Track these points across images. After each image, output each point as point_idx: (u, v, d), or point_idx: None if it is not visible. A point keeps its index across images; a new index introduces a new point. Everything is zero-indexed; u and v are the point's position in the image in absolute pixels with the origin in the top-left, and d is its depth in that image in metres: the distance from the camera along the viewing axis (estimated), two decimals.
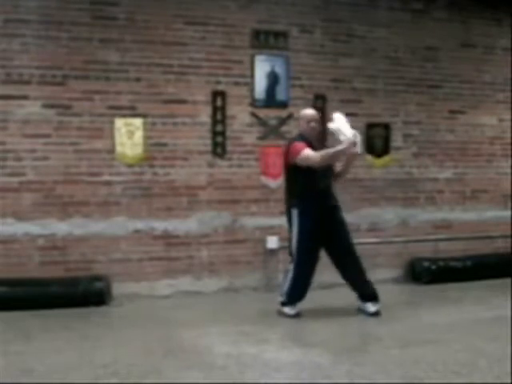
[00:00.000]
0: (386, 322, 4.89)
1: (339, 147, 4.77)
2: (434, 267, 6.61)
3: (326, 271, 6.38)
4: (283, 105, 6.35)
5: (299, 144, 4.92)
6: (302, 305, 5.13)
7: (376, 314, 5.03)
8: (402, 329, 4.68)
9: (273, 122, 6.32)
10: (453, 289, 6.23)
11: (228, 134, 6.17)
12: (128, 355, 3.98)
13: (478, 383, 3.43)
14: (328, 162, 4.86)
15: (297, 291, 5.04)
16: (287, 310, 5.08)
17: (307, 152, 4.83)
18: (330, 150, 4.81)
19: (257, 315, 5.25)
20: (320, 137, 5.32)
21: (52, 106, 5.69)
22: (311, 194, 4.93)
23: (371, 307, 5.06)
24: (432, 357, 3.91)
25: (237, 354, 3.98)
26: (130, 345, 4.25)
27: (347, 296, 5.45)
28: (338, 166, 5.22)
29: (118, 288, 5.73)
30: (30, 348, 4.19)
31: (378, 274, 6.30)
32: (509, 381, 3.46)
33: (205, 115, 6.11)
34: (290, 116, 6.35)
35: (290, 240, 5.11)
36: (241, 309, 5.57)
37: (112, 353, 4.04)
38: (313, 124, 5.05)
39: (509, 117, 7.23)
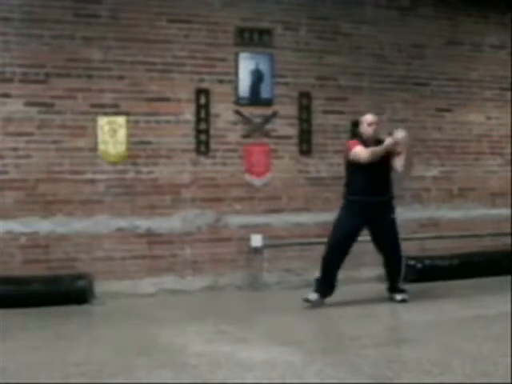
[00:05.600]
0: (365, 321, 4.89)
1: (384, 144, 5.23)
2: (419, 266, 6.60)
3: (312, 270, 6.38)
4: (268, 103, 6.33)
5: (353, 141, 5.43)
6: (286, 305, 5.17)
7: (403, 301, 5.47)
8: (379, 328, 4.67)
9: (257, 120, 6.31)
10: (437, 288, 6.21)
11: (212, 132, 6.16)
12: (101, 354, 3.97)
13: (448, 383, 3.41)
14: (376, 158, 5.21)
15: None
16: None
17: (358, 149, 5.29)
18: (378, 147, 5.24)
19: (237, 314, 5.25)
20: (377, 139, 5.46)
21: (34, 104, 5.69)
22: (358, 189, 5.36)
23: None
24: (406, 356, 3.88)
25: (211, 353, 3.95)
26: (105, 343, 4.24)
27: (333, 294, 5.50)
28: (400, 166, 5.38)
29: (101, 286, 5.72)
30: (5, 347, 4.18)
31: (363, 273, 6.31)
32: (479, 381, 3.45)
33: (188, 113, 6.10)
34: (274, 114, 6.34)
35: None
36: (222, 307, 5.58)
37: (85, 352, 4.02)
38: (374, 126, 5.41)
39: (496, 115, 7.22)
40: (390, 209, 5.47)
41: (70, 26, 5.75)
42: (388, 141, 5.22)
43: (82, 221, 5.79)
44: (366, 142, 5.37)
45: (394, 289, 5.57)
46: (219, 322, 4.84)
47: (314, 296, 5.31)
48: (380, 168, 5.31)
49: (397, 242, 5.51)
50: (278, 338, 4.36)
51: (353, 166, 5.36)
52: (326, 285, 5.36)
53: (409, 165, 5.46)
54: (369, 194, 5.30)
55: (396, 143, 5.23)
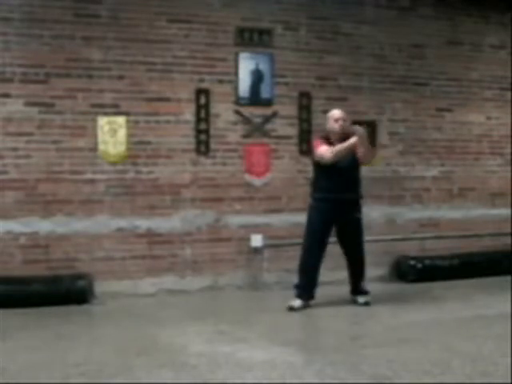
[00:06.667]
0: (365, 321, 4.90)
1: (347, 142, 5.10)
2: (419, 266, 6.59)
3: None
4: (268, 102, 6.33)
5: (317, 141, 5.33)
6: (286, 305, 5.23)
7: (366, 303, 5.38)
8: (379, 328, 4.67)
9: (257, 120, 6.30)
10: (438, 287, 6.21)
11: (212, 132, 6.16)
12: (101, 354, 3.97)
13: (448, 383, 3.41)
14: (339, 157, 5.12)
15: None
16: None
17: (322, 149, 5.20)
18: (341, 146, 5.12)
19: (237, 314, 5.25)
20: (344, 136, 5.30)
21: (34, 104, 5.68)
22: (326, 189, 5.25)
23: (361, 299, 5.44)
24: (406, 356, 3.88)
25: (211, 353, 3.96)
26: (105, 343, 4.24)
27: (331, 294, 5.49)
28: (360, 153, 5.22)
29: (101, 286, 5.71)
30: (5, 347, 4.18)
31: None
32: (479, 381, 3.45)
33: (188, 113, 6.09)
34: (274, 114, 6.34)
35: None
36: (222, 307, 5.59)
37: (85, 352, 4.03)
38: (340, 122, 5.27)
39: (496, 115, 7.22)
40: (356, 208, 5.36)
41: (70, 26, 5.75)
42: (352, 139, 5.06)
43: (82, 221, 5.79)
44: (331, 140, 5.25)
45: (356, 291, 5.47)
46: (219, 322, 4.84)
47: (297, 303, 5.24)
48: (347, 166, 5.20)
49: (360, 243, 5.41)
50: (277, 338, 4.36)
51: (318, 165, 5.27)
52: (308, 289, 5.29)
53: (368, 153, 5.26)
54: (335, 192, 5.18)
55: (359, 140, 5.06)
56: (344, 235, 5.38)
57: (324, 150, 5.18)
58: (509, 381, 3.38)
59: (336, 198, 5.20)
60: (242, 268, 6.25)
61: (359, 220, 5.40)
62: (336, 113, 5.33)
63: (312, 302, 5.32)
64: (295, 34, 6.42)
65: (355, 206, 5.37)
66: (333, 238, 5.41)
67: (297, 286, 5.32)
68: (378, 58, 6.72)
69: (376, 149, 5.41)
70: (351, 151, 5.15)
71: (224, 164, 6.21)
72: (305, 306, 5.25)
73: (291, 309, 5.19)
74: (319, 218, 5.26)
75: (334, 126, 5.29)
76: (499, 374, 3.51)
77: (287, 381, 3.46)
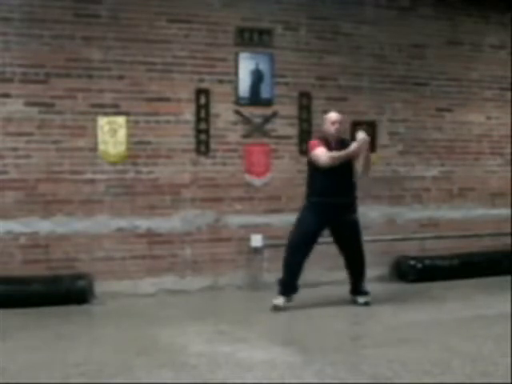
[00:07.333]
0: (365, 321, 4.90)
1: (347, 150, 5.06)
2: (419, 266, 6.60)
3: (310, 269, 6.38)
4: (268, 103, 6.33)
5: (314, 141, 5.30)
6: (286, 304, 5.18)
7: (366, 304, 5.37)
8: (380, 328, 4.68)
9: (257, 120, 6.30)
10: (438, 287, 6.22)
11: (212, 132, 6.16)
12: (101, 354, 3.98)
13: (448, 383, 3.42)
14: (336, 163, 5.08)
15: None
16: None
17: (318, 151, 5.15)
18: (340, 153, 5.07)
19: (237, 314, 5.25)
20: (340, 138, 5.34)
21: (34, 104, 5.68)
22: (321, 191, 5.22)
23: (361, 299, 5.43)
24: (406, 356, 3.88)
25: (211, 353, 3.96)
26: (105, 343, 4.25)
27: (331, 294, 5.48)
28: (359, 166, 5.25)
29: (101, 286, 5.72)
30: (5, 347, 4.19)
31: None
32: (479, 381, 3.45)
33: (188, 113, 6.09)
34: (274, 114, 6.34)
35: None
36: (222, 307, 5.59)
37: (85, 352, 4.03)
38: (337, 125, 5.27)
39: (496, 115, 7.22)
40: (352, 210, 5.31)
41: (70, 26, 5.75)
42: (352, 146, 5.02)
43: (82, 221, 5.79)
44: (329, 142, 5.22)
45: (356, 291, 5.46)
46: (219, 322, 4.85)
47: (280, 301, 5.22)
48: (341, 169, 5.14)
49: (359, 244, 5.39)
50: (277, 338, 4.37)
51: (313, 166, 5.22)
52: (289, 286, 5.26)
53: (367, 165, 5.27)
54: (329, 196, 5.13)
55: (359, 149, 5.03)
56: (340, 237, 5.37)
57: (321, 152, 5.14)
58: (509, 381, 3.38)
59: (330, 202, 5.15)
60: (242, 268, 6.25)
61: (355, 221, 5.35)
62: (333, 116, 5.30)
63: (312, 302, 5.34)
64: (295, 34, 6.42)
65: (349, 208, 5.30)
66: (331, 238, 5.41)
67: (281, 282, 5.28)
68: (378, 58, 6.72)
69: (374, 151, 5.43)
70: (350, 158, 5.13)
71: (224, 164, 6.22)
72: (288, 301, 5.23)
73: (275, 308, 5.17)
74: (313, 220, 5.21)
75: (330, 128, 5.27)
76: (499, 374, 3.52)
77: (287, 381, 3.46)
